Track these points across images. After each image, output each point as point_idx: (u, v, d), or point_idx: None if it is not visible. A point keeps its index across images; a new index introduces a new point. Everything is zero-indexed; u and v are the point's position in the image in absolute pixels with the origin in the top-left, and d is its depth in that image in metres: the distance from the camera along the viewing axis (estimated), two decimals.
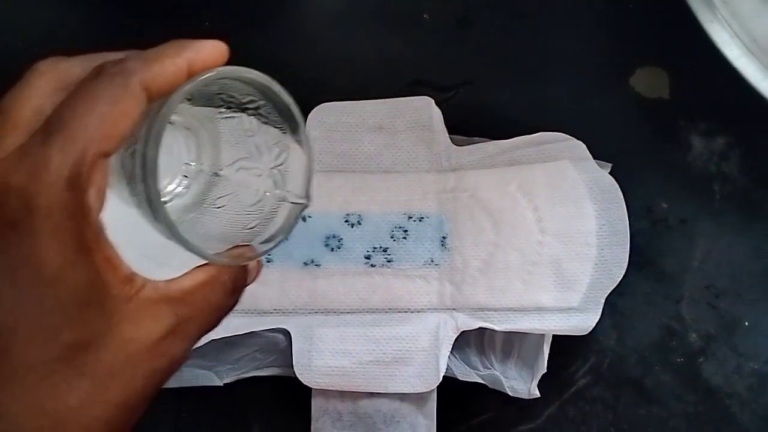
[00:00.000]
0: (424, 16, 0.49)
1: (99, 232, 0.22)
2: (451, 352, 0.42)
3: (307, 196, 0.28)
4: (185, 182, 0.29)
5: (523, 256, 0.43)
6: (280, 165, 0.28)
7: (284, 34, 0.49)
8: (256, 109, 0.28)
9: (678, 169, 0.47)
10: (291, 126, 0.27)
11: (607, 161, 0.45)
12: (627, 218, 0.43)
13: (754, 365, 0.44)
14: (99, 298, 0.22)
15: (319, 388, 0.42)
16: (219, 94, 0.27)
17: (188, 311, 0.24)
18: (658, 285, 0.45)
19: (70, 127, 0.22)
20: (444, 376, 0.42)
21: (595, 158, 0.45)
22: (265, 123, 0.28)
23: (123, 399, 0.23)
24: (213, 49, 0.24)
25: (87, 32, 0.49)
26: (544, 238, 0.43)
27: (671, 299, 0.45)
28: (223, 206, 0.29)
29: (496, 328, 0.42)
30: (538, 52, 0.48)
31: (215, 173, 0.29)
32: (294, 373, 0.42)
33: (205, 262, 0.26)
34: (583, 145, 0.44)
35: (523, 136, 0.45)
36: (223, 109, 0.28)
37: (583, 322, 0.42)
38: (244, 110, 0.28)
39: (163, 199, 0.27)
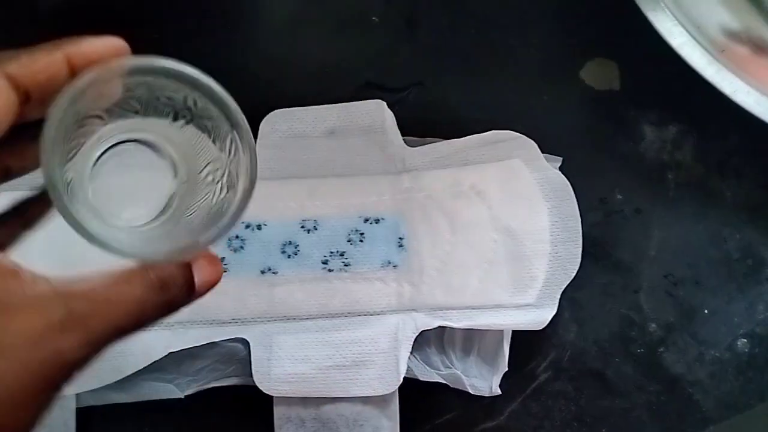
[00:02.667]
0: (373, 18, 0.49)
1: None
2: (412, 353, 0.42)
3: (250, 186, 0.27)
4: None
5: (479, 254, 0.43)
6: (233, 158, 0.28)
7: (233, 41, 0.49)
8: (194, 107, 0.27)
9: (631, 160, 0.47)
10: (226, 113, 0.26)
11: (560, 155, 0.45)
12: (578, 215, 0.43)
13: (714, 352, 0.44)
14: None
15: (279, 395, 0.42)
16: (158, 99, 0.26)
17: (88, 306, 0.24)
18: (615, 276, 0.45)
19: None
20: (405, 378, 0.42)
21: (548, 152, 0.45)
22: (216, 125, 0.27)
23: None
24: (100, 45, 0.24)
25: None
26: (499, 236, 0.43)
27: (629, 290, 0.45)
28: (195, 212, 0.29)
29: (454, 325, 0.42)
30: (487, 50, 0.49)
31: (191, 182, 0.29)
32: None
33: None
34: (534, 144, 0.44)
35: (475, 135, 0.45)
36: (178, 120, 0.27)
37: (540, 316, 0.42)
38: (192, 115, 0.27)
39: (149, 221, 0.27)
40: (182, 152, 0.29)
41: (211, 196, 0.29)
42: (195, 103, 0.27)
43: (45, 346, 0.23)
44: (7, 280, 0.23)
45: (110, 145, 0.27)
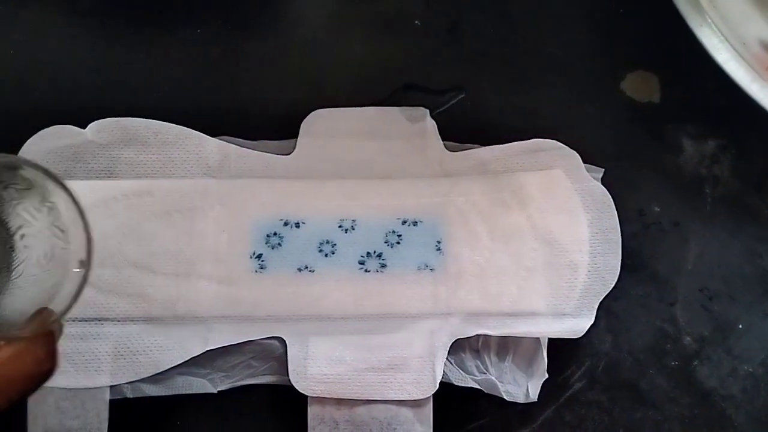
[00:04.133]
0: (416, 21, 0.49)
1: None
2: (447, 358, 0.42)
3: (87, 261, 0.28)
4: None
5: (517, 261, 0.43)
6: (55, 221, 0.29)
7: (276, 41, 0.49)
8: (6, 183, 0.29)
9: (670, 173, 0.47)
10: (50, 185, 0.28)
11: (599, 165, 0.45)
12: (619, 228, 0.43)
13: (748, 367, 0.44)
14: None
15: (314, 395, 0.42)
16: None
17: None
18: (651, 288, 0.45)
19: None
20: (440, 382, 0.42)
21: (587, 162, 0.45)
22: (26, 189, 0.29)
23: None
24: None
25: (82, 41, 0.48)
26: (538, 244, 0.43)
27: (665, 302, 0.45)
28: (21, 275, 0.30)
29: (492, 333, 0.42)
30: (529, 58, 0.49)
31: (10, 247, 0.30)
32: (289, 380, 0.41)
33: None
34: (577, 155, 0.44)
35: (517, 142, 0.45)
36: None
37: (577, 325, 0.42)
38: None
39: None
40: None
41: (40, 258, 0.30)
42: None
43: None
44: None
45: None
